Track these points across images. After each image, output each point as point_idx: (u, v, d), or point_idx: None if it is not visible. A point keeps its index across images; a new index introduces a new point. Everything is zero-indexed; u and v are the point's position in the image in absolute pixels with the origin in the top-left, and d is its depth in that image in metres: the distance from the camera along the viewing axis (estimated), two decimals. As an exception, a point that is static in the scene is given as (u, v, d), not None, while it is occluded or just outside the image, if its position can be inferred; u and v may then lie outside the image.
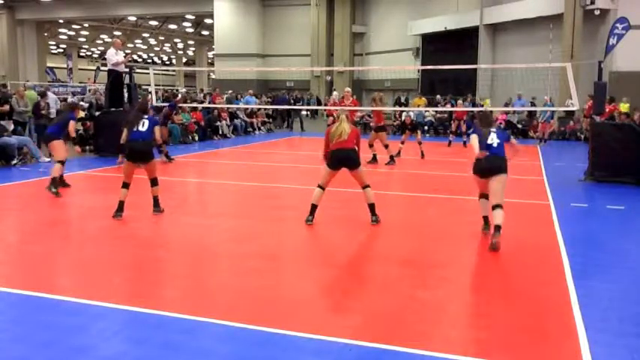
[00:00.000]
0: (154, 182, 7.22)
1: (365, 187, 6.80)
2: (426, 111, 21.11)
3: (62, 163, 8.68)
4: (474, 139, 6.11)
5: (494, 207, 5.83)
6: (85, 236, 6.30)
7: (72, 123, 8.83)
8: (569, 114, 18.40)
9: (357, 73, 32.58)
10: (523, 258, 5.55)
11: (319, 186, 6.79)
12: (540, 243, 6.10)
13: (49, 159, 12.18)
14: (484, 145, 6.01)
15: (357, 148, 6.82)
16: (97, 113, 14.03)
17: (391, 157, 12.31)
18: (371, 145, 12.34)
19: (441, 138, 18.82)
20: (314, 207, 6.78)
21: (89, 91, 23.21)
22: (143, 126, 7.07)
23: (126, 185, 7.01)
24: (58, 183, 8.58)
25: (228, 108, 19.41)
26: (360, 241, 6.22)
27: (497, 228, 5.69)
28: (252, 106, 21.11)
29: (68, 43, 53.43)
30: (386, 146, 12.21)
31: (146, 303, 4.16)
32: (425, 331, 3.82)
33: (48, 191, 8.32)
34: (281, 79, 32.90)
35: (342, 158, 6.68)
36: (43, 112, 13.31)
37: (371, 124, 13.24)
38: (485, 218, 6.36)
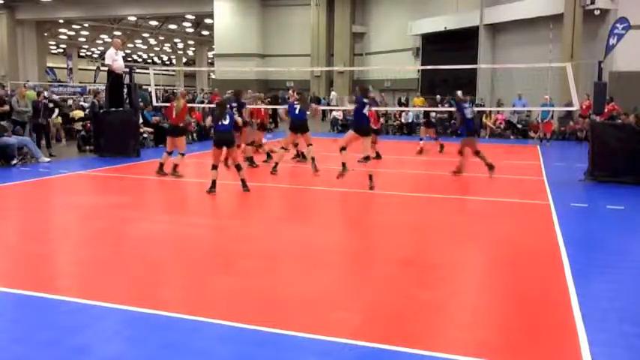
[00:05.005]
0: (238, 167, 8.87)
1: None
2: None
3: None
4: None
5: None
6: (85, 236, 6.30)
7: None
8: (569, 114, 18.40)
9: (357, 73, 32.59)
10: (523, 258, 5.55)
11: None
12: (540, 243, 6.10)
13: (48, 159, 12.20)
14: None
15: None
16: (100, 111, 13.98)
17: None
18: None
19: (443, 138, 18.77)
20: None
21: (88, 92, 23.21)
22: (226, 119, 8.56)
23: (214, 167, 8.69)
24: None
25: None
26: (360, 241, 6.22)
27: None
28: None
29: (68, 43, 53.39)
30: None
31: (146, 303, 4.15)
32: (425, 331, 3.82)
33: None
34: (281, 79, 32.89)
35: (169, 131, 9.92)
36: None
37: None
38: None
